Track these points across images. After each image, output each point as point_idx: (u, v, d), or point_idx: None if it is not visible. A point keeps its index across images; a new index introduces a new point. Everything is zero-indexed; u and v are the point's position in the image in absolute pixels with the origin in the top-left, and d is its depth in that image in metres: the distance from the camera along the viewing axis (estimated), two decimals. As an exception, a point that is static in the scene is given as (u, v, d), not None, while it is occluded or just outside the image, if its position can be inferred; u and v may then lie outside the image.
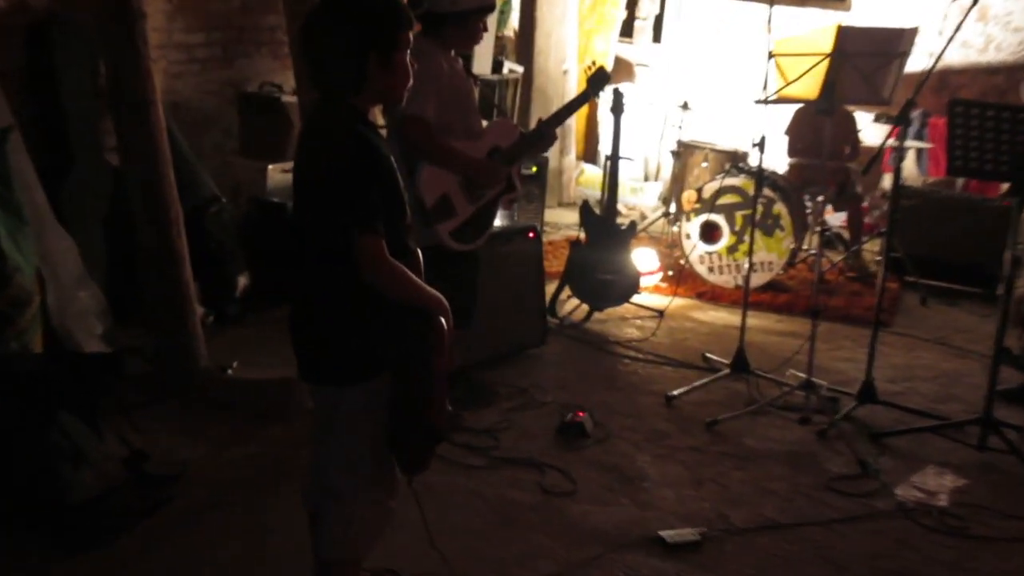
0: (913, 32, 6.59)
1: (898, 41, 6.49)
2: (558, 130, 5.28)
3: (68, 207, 5.60)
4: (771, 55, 5.93)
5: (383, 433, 3.12)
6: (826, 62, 6.01)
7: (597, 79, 5.34)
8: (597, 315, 6.91)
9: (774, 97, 6.16)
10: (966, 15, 5.36)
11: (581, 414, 5.26)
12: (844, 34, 6.07)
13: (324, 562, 3.28)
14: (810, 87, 6.12)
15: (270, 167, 6.80)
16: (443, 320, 3.02)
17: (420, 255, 3.24)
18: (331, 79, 3.03)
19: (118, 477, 4.27)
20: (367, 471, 3.15)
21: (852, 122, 8.38)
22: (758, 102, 5.96)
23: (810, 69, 6.04)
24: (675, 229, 8.18)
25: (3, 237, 4.68)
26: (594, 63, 5.50)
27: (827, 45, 6.04)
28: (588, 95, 5.41)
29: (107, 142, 5.90)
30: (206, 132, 7.05)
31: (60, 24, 5.75)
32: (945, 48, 5.30)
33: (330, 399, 3.12)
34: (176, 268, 5.30)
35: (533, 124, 7.24)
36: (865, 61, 6.15)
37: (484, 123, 5.11)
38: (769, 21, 5.78)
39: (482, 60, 8.71)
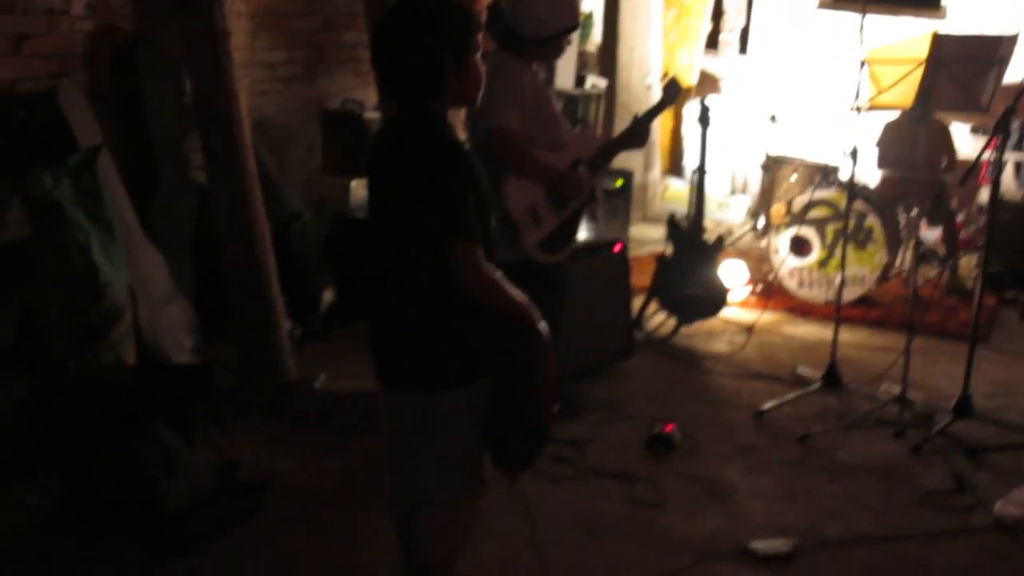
0: (1013, 39, 6.41)
1: (996, 47, 6.31)
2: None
3: (156, 225, 5.67)
4: (864, 63, 5.82)
5: (479, 436, 3.08)
6: (921, 70, 5.87)
7: (670, 88, 5.27)
8: (684, 329, 6.82)
9: (868, 106, 6.04)
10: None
11: (670, 426, 5.19)
12: (939, 41, 5.93)
13: (417, 568, 3.23)
14: (904, 95, 6.00)
15: (353, 183, 6.83)
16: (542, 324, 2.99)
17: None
18: (408, 84, 3.00)
19: (210, 486, 4.31)
20: (460, 475, 3.11)
21: (948, 134, 8.19)
22: (852, 110, 5.86)
23: (904, 76, 5.92)
24: (764, 243, 8.07)
25: (95, 252, 4.75)
26: (666, 74, 5.43)
27: (922, 52, 5.91)
28: (664, 103, 5.34)
29: (193, 160, 5.96)
30: (289, 149, 7.10)
31: (145, 45, 5.83)
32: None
33: (423, 405, 3.05)
34: (263, 283, 5.33)
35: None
36: (961, 68, 6.00)
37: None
38: (861, 30, 5.68)
39: (565, 75, 8.69)
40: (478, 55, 3.04)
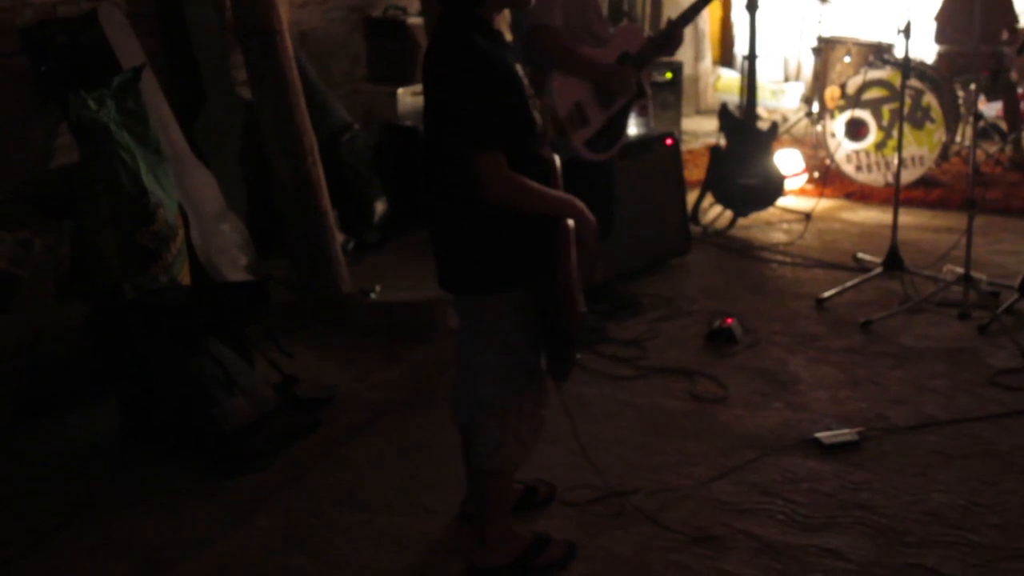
0: None
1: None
2: (691, 35, 5.10)
3: (203, 143, 5.66)
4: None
5: (530, 342, 3.11)
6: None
7: None
8: (741, 221, 6.74)
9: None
10: None
11: (729, 320, 5.13)
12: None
13: (478, 473, 3.30)
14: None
15: (399, 91, 6.77)
16: (570, 223, 2.96)
17: (556, 161, 3.16)
18: None
19: (270, 402, 4.33)
20: (515, 380, 3.15)
21: (1008, 2, 7.94)
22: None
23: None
24: (819, 128, 7.92)
25: (143, 173, 4.75)
26: None
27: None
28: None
29: (238, 77, 5.92)
30: (334, 60, 7.04)
31: (184, -39, 5.77)
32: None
33: (475, 309, 3.14)
34: (313, 196, 5.31)
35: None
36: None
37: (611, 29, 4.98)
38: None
39: (609, -32, 8.50)
40: None
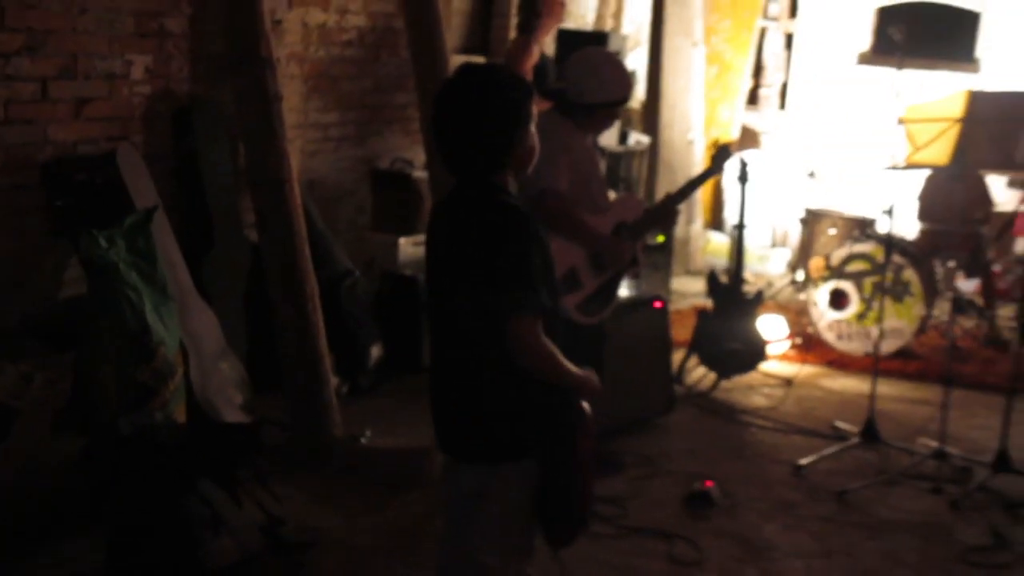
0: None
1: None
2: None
3: (209, 282, 5.81)
4: (900, 121, 5.91)
5: (531, 508, 3.09)
6: (957, 128, 5.96)
7: (719, 156, 5.39)
8: (724, 383, 6.89)
9: (904, 164, 6.14)
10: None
11: (709, 483, 5.25)
12: (975, 99, 6.03)
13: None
14: (941, 153, 6.08)
15: (401, 240, 6.96)
16: (586, 402, 2.99)
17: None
18: (478, 159, 2.98)
19: (256, 544, 4.38)
20: (515, 545, 3.14)
21: (985, 187, 8.25)
22: (888, 169, 5.94)
23: (940, 135, 6.01)
24: (803, 297, 8.13)
25: (148, 312, 4.87)
26: (717, 141, 5.56)
27: (957, 111, 6.00)
28: (711, 172, 5.46)
29: (246, 219, 6.12)
30: (341, 207, 7.26)
31: (202, 108, 6.00)
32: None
33: (481, 476, 3.06)
34: (312, 341, 5.46)
35: (660, 195, 7.28)
36: (997, 126, 6.09)
37: (612, 194, 5.18)
38: (897, 86, 5.77)
39: (608, 132, 8.79)
40: (532, 124, 3.04)
